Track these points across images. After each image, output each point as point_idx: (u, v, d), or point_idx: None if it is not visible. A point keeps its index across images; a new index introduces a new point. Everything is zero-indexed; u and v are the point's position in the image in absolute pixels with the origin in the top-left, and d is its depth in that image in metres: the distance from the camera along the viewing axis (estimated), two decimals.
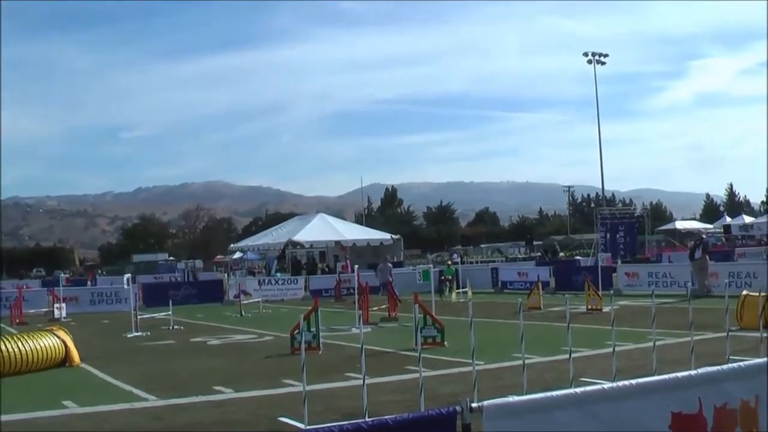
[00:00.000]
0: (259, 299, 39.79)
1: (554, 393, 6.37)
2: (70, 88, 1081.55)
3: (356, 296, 27.99)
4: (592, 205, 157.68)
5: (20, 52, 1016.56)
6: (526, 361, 12.03)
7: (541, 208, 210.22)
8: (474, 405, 5.84)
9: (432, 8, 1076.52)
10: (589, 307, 28.29)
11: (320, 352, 19.38)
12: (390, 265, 39.04)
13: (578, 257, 72.97)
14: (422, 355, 11.83)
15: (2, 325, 33.18)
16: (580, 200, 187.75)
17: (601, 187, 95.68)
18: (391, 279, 35.99)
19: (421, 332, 16.22)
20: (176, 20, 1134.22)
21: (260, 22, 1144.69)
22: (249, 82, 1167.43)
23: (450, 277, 44.78)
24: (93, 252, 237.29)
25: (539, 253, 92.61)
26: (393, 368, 16.70)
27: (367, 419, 6.52)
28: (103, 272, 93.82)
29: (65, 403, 14.36)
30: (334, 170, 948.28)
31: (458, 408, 5.80)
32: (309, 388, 11.36)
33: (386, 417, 5.66)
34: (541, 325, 23.78)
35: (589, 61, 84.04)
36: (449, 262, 57.03)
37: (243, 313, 34.66)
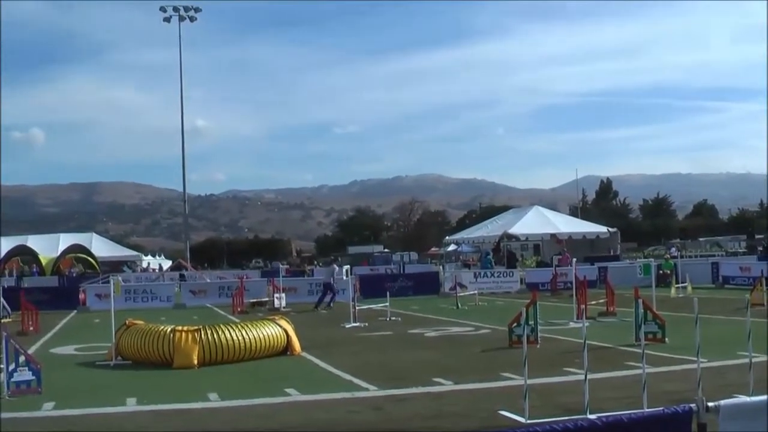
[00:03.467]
0: (475, 291, 39.78)
1: None
2: (280, 87, 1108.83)
3: (574, 290, 27.66)
4: None
5: (233, 52, 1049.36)
6: (752, 360, 11.62)
7: (762, 201, 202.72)
8: (710, 404, 5.65)
9: (636, 1, 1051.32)
10: None
11: (538, 346, 19.19)
12: (335, 266, 38.97)
13: None
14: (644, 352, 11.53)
15: (224, 314, 34.32)
16: None
17: None
18: (333, 280, 36.75)
19: (641, 328, 15.84)
20: (380, 20, 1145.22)
21: (462, 19, 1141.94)
22: (454, 79, 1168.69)
23: (669, 272, 43.79)
24: (309, 243, 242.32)
25: (761, 247, 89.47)
26: (612, 364, 16.38)
27: (601, 416, 6.36)
28: (320, 263, 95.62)
29: (288, 390, 14.66)
30: (546, 163, 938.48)
31: (694, 407, 5.62)
32: (528, 382, 11.25)
33: (620, 413, 5.53)
34: (765, 322, 22.93)
35: None
36: (667, 256, 55.80)
37: (459, 305, 34.72)
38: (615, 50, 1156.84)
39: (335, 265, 39.46)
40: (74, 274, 68.29)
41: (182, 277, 63.25)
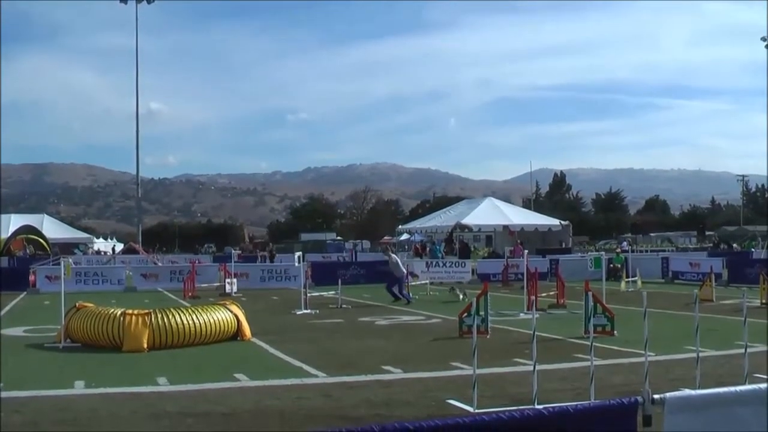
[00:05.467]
0: (426, 281, 39.88)
1: (738, 388, 6.20)
2: (235, 73, 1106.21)
3: (525, 281, 27.82)
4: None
5: (189, 40, 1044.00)
6: (699, 354, 11.78)
7: (713, 198, 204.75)
8: (656, 396, 5.73)
9: (589, 1, 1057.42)
10: (763, 301, 27.43)
11: (488, 337, 19.31)
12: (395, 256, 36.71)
13: (753, 249, 70.96)
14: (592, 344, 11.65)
15: (175, 298, 34.22)
16: (754, 190, 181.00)
17: None
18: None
19: (590, 321, 15.98)
20: (336, 11, 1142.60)
21: (417, 12, 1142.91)
22: (407, 71, 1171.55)
23: (619, 266, 44.17)
24: (262, 230, 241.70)
25: (711, 244, 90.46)
26: (562, 356, 16.53)
27: (548, 406, 6.44)
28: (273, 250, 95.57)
29: (237, 375, 14.68)
30: (500, 155, 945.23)
31: (640, 399, 5.70)
32: (477, 372, 11.33)
33: (567, 404, 5.60)
34: (714, 318, 23.23)
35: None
36: (618, 250, 56.26)
37: (411, 294, 34.81)
38: (567, 47, 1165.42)
39: (393, 254, 34.66)
40: (26, 256, 67.64)
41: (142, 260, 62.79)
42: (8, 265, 57.65)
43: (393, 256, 33.45)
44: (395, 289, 32.00)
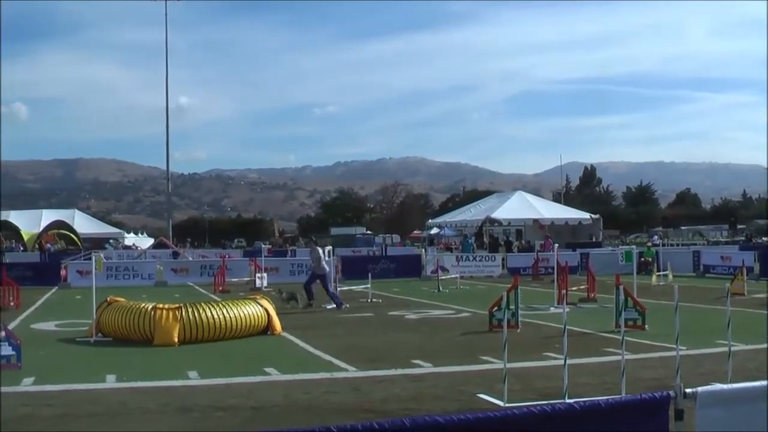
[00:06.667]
0: (457, 275, 39.85)
1: None
2: (262, 67, 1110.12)
3: (555, 275, 27.73)
4: None
5: (214, 34, 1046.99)
6: (731, 349, 11.70)
7: (744, 191, 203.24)
8: (688, 391, 5.69)
9: None
10: None
11: (518, 331, 19.24)
12: (319, 249, 29.91)
13: None
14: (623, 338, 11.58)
15: (206, 293, 34.31)
16: None
17: None
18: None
19: (621, 315, 15.89)
20: (361, 3, 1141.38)
21: (441, 4, 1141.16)
22: (432, 63, 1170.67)
23: (650, 260, 43.97)
24: (292, 224, 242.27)
25: (743, 237, 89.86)
26: (592, 350, 16.47)
27: (579, 400, 6.40)
28: (302, 244, 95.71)
29: (267, 369, 14.71)
30: (528, 149, 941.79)
31: (671, 393, 5.66)
32: (507, 366, 11.30)
33: (598, 399, 5.57)
34: (745, 312, 23.06)
35: None
36: (649, 244, 56.00)
37: (440, 288, 34.79)
38: (593, 39, 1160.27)
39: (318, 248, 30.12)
40: (51, 250, 67.99)
41: (175, 255, 63.10)
42: (40, 260, 57.96)
43: (318, 249, 28.97)
44: (314, 287, 28.09)
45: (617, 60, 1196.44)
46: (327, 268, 28.33)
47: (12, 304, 28.16)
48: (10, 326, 18.16)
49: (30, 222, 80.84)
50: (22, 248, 71.21)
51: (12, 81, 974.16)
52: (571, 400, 8.22)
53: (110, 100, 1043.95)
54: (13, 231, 76.24)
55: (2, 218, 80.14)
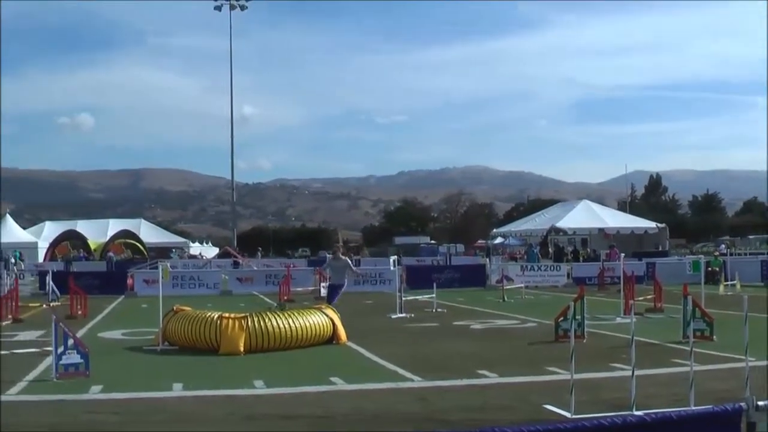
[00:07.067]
0: (521, 285, 39.69)
1: None
2: (325, 74, 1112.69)
3: (621, 285, 27.49)
4: None
5: (275, 42, 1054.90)
6: None
7: None
8: (760, 403, 5.60)
9: None
10: None
11: (584, 341, 19.10)
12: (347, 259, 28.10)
13: None
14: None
15: (270, 302, 34.45)
16: None
17: None
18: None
19: (689, 325, 15.71)
20: (423, 9, 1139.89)
21: (502, 10, 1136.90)
22: (496, 69, 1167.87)
23: (717, 269, 43.46)
24: (356, 233, 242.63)
25: None
26: (659, 361, 16.29)
27: (650, 412, 6.32)
28: (367, 254, 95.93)
29: (333, 379, 14.72)
30: (593, 157, 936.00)
31: (743, 405, 5.57)
32: (574, 376, 11.21)
33: (669, 410, 5.50)
34: None
35: None
36: (716, 254, 55.31)
37: (505, 298, 34.65)
38: (659, 44, 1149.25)
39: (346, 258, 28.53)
40: (114, 260, 68.80)
41: (236, 264, 63.62)
42: (107, 269, 58.71)
43: (346, 259, 27.52)
44: (335, 300, 25.46)
45: (681, 64, 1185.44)
46: (346, 282, 26.34)
47: (80, 312, 28.52)
48: (78, 334, 18.38)
49: (97, 231, 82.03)
50: (85, 257, 72.16)
51: (78, 90, 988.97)
52: (641, 412, 8.13)
53: (176, 110, 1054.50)
54: (80, 240, 77.31)
55: (70, 228, 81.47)
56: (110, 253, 72.51)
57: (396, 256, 33.44)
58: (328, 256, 61.62)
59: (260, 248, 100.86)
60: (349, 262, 27.08)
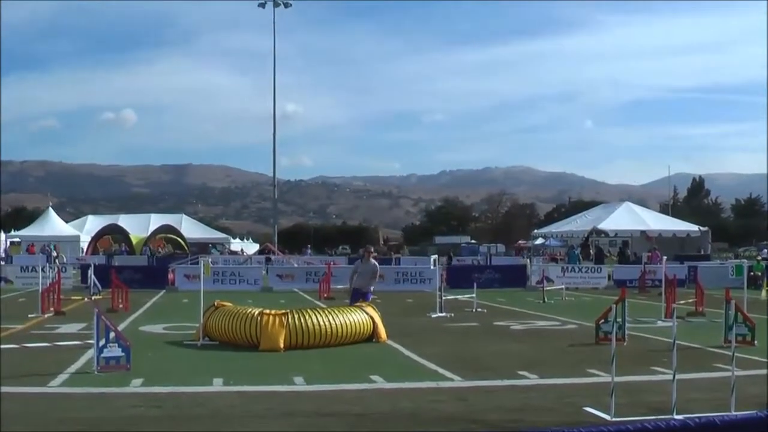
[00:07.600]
0: (562, 286, 39.51)
1: None
2: (368, 74, 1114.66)
3: (663, 288, 27.32)
4: None
5: (317, 40, 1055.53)
6: None
7: None
8: None
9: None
10: None
11: (625, 344, 18.99)
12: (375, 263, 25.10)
13: None
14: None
15: (311, 299, 34.55)
16: None
17: None
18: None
19: (732, 330, 15.58)
20: (466, 9, 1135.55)
21: (546, 10, 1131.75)
22: (539, 69, 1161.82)
23: (759, 274, 43.10)
24: (396, 232, 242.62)
25: None
26: (700, 365, 16.16)
27: (692, 417, 6.28)
28: (407, 252, 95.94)
29: (373, 377, 14.73)
30: (635, 158, 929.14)
31: None
32: (615, 379, 11.16)
33: (712, 415, 5.45)
34: None
35: None
36: (759, 258, 54.88)
37: (546, 299, 34.54)
38: (698, 45, 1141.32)
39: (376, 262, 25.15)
40: (154, 254, 69.22)
41: (268, 260, 63.89)
42: (148, 264, 59.10)
43: (376, 263, 24.78)
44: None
45: (724, 68, 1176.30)
46: (372, 290, 23.83)
47: (121, 306, 28.71)
48: (120, 328, 18.51)
49: (139, 226, 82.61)
50: (127, 251, 72.75)
51: (121, 88, 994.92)
52: (682, 416, 8.08)
53: (219, 107, 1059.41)
54: (122, 234, 77.86)
55: (112, 222, 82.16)
56: (145, 248, 73.08)
57: (437, 255, 33.24)
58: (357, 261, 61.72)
59: (309, 245, 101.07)
60: (378, 268, 24.42)
